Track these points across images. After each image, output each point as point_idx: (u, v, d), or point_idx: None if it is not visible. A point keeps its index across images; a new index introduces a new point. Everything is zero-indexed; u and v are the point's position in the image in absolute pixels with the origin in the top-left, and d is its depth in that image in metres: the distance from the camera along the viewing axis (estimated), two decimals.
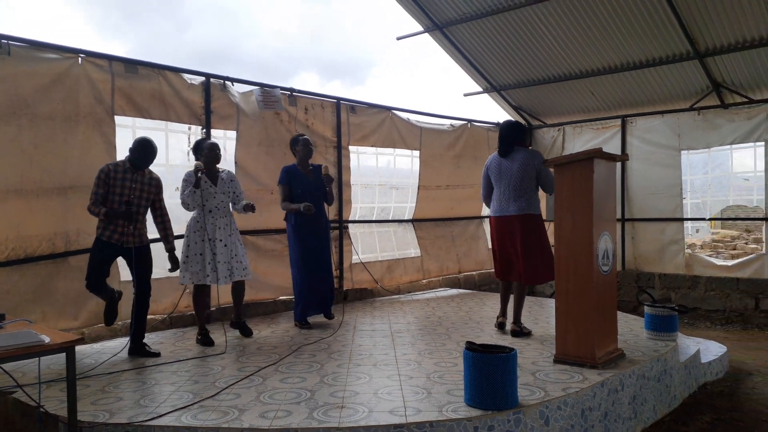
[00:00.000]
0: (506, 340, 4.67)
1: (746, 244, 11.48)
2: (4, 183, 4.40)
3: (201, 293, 4.79)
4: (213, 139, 5.64)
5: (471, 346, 3.17)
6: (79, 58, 4.82)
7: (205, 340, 4.66)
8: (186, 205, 4.70)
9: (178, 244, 4.75)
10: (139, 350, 4.34)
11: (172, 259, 4.58)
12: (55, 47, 4.71)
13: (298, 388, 3.45)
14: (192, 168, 5.53)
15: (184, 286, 5.42)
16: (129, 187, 4.28)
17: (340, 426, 2.82)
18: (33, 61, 4.55)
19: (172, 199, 5.57)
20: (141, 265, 4.34)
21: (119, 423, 2.91)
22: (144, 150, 4.34)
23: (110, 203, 4.21)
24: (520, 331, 4.83)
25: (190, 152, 5.66)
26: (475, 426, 2.91)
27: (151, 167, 4.50)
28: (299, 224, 5.26)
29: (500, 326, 5.07)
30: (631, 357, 4.08)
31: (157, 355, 4.32)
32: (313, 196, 5.28)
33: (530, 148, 5.05)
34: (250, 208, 4.82)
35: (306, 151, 5.34)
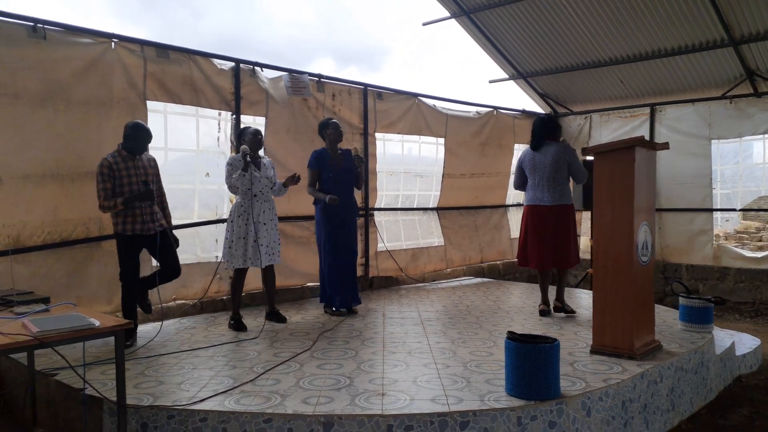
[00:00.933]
0: (539, 330, 4.64)
1: None
2: (41, 167, 4.43)
3: (241, 277, 4.84)
4: (242, 126, 5.67)
5: (513, 336, 3.15)
6: (112, 43, 4.82)
7: (238, 325, 4.69)
8: (234, 188, 4.73)
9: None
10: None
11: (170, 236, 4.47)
12: (89, 31, 4.70)
13: (336, 374, 3.46)
14: (224, 155, 5.56)
15: (214, 271, 5.46)
16: (135, 174, 4.19)
17: (384, 413, 2.82)
18: (68, 46, 4.55)
19: (202, 184, 5.62)
20: (168, 248, 4.33)
21: (164, 406, 2.93)
22: (139, 134, 4.22)
23: (121, 195, 4.11)
24: (562, 308, 5.27)
25: (219, 138, 5.68)
26: (518, 416, 2.89)
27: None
28: (328, 208, 5.25)
29: (543, 313, 5.26)
30: (668, 348, 4.03)
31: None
32: (342, 181, 5.26)
33: (562, 140, 5.29)
34: (293, 180, 4.88)
35: (336, 135, 5.31)
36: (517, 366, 3.05)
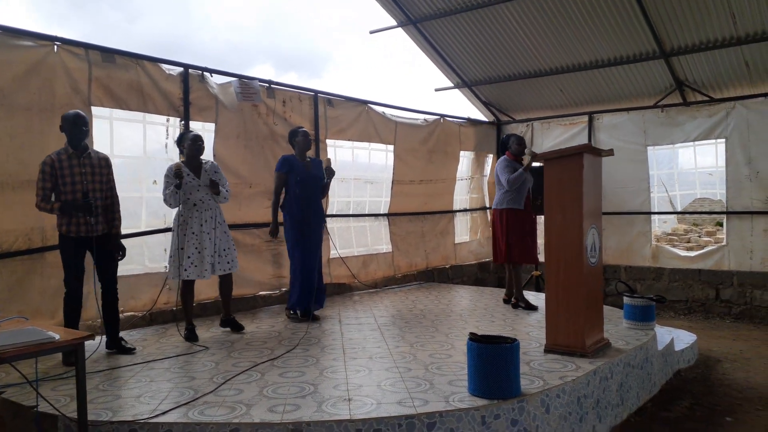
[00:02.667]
0: (493, 331, 4.76)
1: (699, 237, 12.00)
2: None
3: (188, 288, 4.71)
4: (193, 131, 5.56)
5: (474, 337, 3.23)
6: (55, 46, 4.65)
7: (190, 336, 4.59)
8: (168, 203, 4.62)
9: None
10: (115, 343, 4.23)
11: (117, 245, 4.26)
12: (31, 34, 4.53)
13: (300, 381, 3.44)
14: (172, 162, 5.43)
15: (163, 281, 5.31)
16: (79, 173, 3.98)
17: (353, 418, 2.83)
18: (8, 49, 4.36)
19: (149, 192, 5.46)
20: (108, 254, 4.17)
21: (124, 420, 2.85)
22: (75, 123, 3.97)
23: (63, 195, 3.93)
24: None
25: (168, 144, 5.55)
26: (482, 415, 2.97)
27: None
28: (295, 214, 5.23)
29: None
30: (616, 346, 4.23)
31: (132, 350, 4.21)
32: (309, 186, 5.28)
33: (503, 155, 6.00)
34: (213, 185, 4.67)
35: (305, 142, 5.35)
36: (479, 366, 3.13)
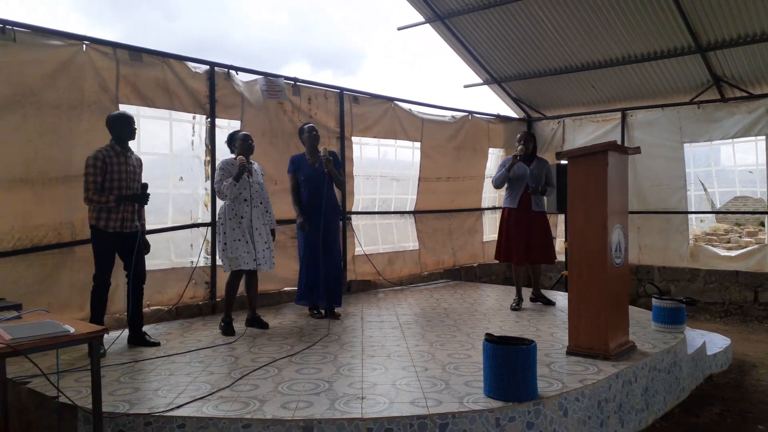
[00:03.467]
0: (516, 331, 4.69)
1: (740, 237, 11.61)
2: (10, 172, 4.33)
3: (237, 279, 4.82)
4: (217, 129, 5.63)
5: (490, 338, 3.17)
6: (84, 45, 4.75)
7: (228, 329, 4.66)
8: (223, 195, 4.71)
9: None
10: (138, 339, 4.31)
11: (144, 241, 4.38)
12: (60, 33, 4.63)
13: (315, 378, 3.45)
14: (198, 159, 5.52)
15: (189, 276, 5.41)
16: (125, 171, 4.15)
17: (364, 417, 2.82)
18: (38, 48, 4.47)
19: (176, 189, 5.55)
20: (140, 249, 4.25)
21: (140, 413, 2.89)
22: (124, 121, 4.17)
23: (109, 191, 4.05)
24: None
25: (194, 141, 5.63)
26: (496, 417, 2.92)
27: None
28: (309, 209, 5.24)
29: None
30: (642, 349, 4.11)
31: (157, 344, 4.29)
32: (319, 182, 5.25)
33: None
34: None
35: (310, 139, 5.30)
36: (494, 368, 3.07)
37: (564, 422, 3.12)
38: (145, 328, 4.54)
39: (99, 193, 4.02)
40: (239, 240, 4.68)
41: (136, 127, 4.29)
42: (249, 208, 4.75)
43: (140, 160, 4.42)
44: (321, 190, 5.25)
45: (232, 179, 4.63)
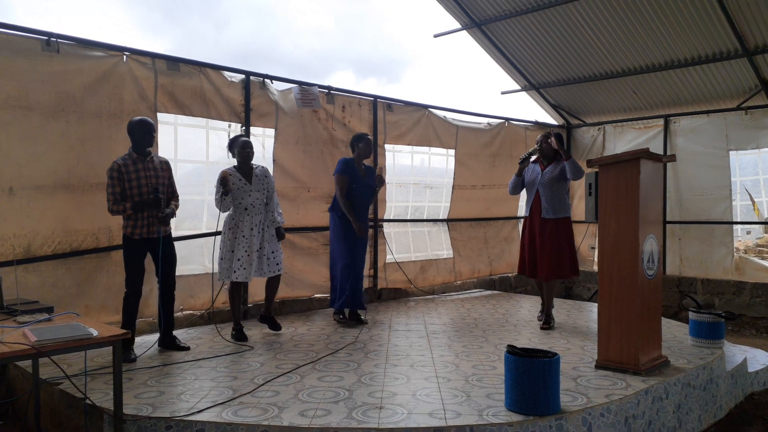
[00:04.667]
0: (546, 344, 4.59)
1: None
2: (53, 177, 4.51)
3: (235, 289, 4.85)
4: (252, 137, 5.72)
5: (512, 350, 3.12)
6: (124, 56, 4.91)
7: (239, 336, 4.71)
8: (217, 208, 4.75)
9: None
10: (169, 343, 4.40)
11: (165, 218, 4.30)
12: (101, 45, 4.80)
13: (336, 387, 3.45)
14: (226, 167, 5.63)
15: (222, 282, 5.50)
16: (145, 176, 4.20)
17: (380, 427, 2.80)
18: (80, 59, 4.64)
19: (211, 195, 5.63)
20: (169, 254, 4.33)
21: (161, 417, 2.95)
22: (143, 127, 4.20)
23: (131, 199, 4.12)
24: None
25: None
26: (515, 431, 2.86)
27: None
28: (347, 220, 5.28)
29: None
30: (676, 364, 3.96)
31: (187, 348, 4.37)
32: (364, 194, 5.35)
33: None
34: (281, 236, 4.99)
35: (367, 150, 5.38)
36: (516, 380, 3.02)
37: None
38: (177, 333, 4.64)
39: (118, 203, 4.11)
40: (232, 251, 4.69)
41: (155, 134, 4.33)
42: (249, 216, 4.76)
43: (166, 163, 4.44)
44: (365, 201, 5.42)
45: (221, 194, 4.60)
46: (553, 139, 5.24)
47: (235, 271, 4.68)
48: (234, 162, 4.94)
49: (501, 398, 3.20)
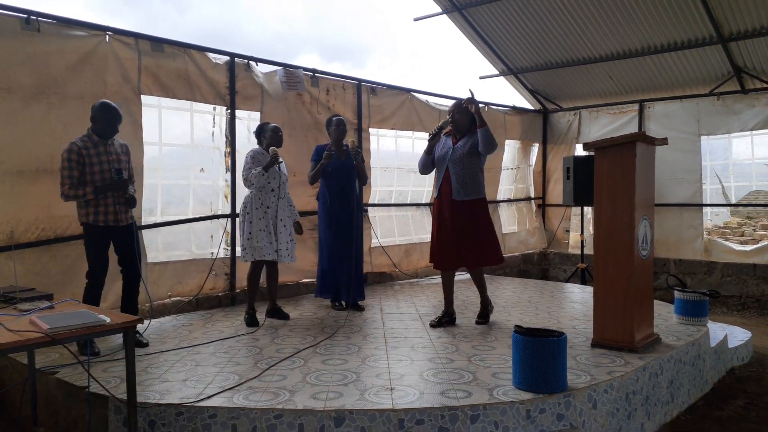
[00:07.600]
0: (538, 323, 4.67)
1: (754, 230, 11.52)
2: (35, 162, 4.35)
3: (258, 270, 4.83)
4: (237, 120, 5.63)
5: (520, 330, 3.16)
6: (107, 36, 4.75)
7: (251, 321, 4.67)
8: (250, 183, 4.70)
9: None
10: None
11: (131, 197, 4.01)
12: (84, 24, 4.64)
13: (342, 369, 3.45)
14: (218, 150, 5.52)
15: (209, 267, 5.42)
16: (107, 162, 3.85)
17: (395, 408, 2.82)
18: (62, 39, 4.47)
19: (196, 180, 5.56)
20: (134, 243, 4.00)
21: (171, 404, 2.90)
22: (110, 113, 3.87)
23: (91, 184, 3.79)
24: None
25: (214, 132, 5.62)
26: (527, 409, 2.91)
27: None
28: (327, 204, 5.24)
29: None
30: (666, 341, 4.09)
31: (145, 345, 4.01)
32: (343, 176, 5.26)
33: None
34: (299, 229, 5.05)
35: (338, 132, 5.27)
36: (525, 360, 3.07)
37: (593, 414, 3.11)
38: (166, 319, 4.55)
39: (76, 187, 3.77)
40: (263, 230, 4.69)
41: (119, 122, 3.96)
42: (276, 199, 4.76)
43: (126, 147, 4.11)
44: (350, 181, 5.30)
45: (260, 168, 4.62)
46: (468, 104, 4.40)
47: (263, 248, 4.66)
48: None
49: (507, 377, 3.25)
